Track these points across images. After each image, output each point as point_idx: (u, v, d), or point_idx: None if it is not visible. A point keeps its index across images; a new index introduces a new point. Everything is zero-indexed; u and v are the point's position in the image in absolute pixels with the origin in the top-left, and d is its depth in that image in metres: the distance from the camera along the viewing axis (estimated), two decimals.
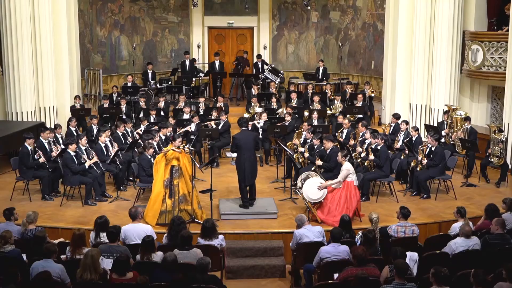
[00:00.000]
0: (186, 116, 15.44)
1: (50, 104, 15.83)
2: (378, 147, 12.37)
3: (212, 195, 10.99)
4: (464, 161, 13.96)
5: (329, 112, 16.38)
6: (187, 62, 19.62)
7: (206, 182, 12.01)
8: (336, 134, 14.41)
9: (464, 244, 8.49)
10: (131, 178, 13.27)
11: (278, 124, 14.78)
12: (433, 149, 12.42)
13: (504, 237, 8.64)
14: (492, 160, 13.34)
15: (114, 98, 17.17)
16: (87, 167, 11.98)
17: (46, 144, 12.79)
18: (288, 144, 13.56)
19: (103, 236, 8.63)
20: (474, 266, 7.38)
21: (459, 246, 8.47)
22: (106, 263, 7.88)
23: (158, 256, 7.99)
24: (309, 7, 18.25)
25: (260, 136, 14.64)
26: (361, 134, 13.53)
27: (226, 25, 21.22)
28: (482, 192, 12.90)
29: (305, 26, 21.13)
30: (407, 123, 14.03)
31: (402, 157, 13.25)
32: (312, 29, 21.07)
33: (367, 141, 12.89)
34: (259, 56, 20.13)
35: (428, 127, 14.81)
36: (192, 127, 14.83)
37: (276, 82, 18.55)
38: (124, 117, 15.76)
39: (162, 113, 16.30)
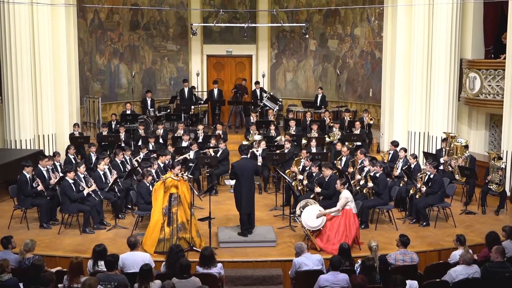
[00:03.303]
0: (185, 144, 15.45)
1: (49, 132, 15.87)
2: (377, 175, 12.38)
3: (211, 223, 10.95)
4: (463, 189, 13.95)
5: (327, 139, 16.41)
6: (186, 90, 19.70)
7: (205, 210, 11.97)
8: (335, 161, 14.42)
9: (464, 272, 8.44)
10: (130, 206, 13.23)
11: (277, 151, 14.79)
12: (431, 176, 12.42)
13: (504, 265, 8.59)
14: (491, 187, 13.33)
15: (113, 126, 17.20)
16: (85, 195, 11.95)
17: (44, 172, 12.79)
18: (286, 171, 13.56)
19: (101, 265, 8.58)
20: None
21: (459, 274, 8.43)
22: None
23: (156, 285, 7.92)
24: (307, 36, 18.39)
25: (259, 164, 14.63)
26: (359, 161, 13.53)
27: (225, 53, 21.36)
28: (482, 219, 12.86)
29: (303, 54, 21.27)
30: (405, 150, 14.06)
31: (401, 185, 13.25)
32: (310, 57, 21.20)
33: (365, 169, 12.90)
34: (257, 82, 20.18)
35: (426, 155, 14.82)
36: (191, 154, 14.84)
37: (275, 109, 18.61)
38: (123, 144, 15.78)
39: (161, 140, 16.33)
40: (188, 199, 10.97)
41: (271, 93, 19.76)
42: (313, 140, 15.31)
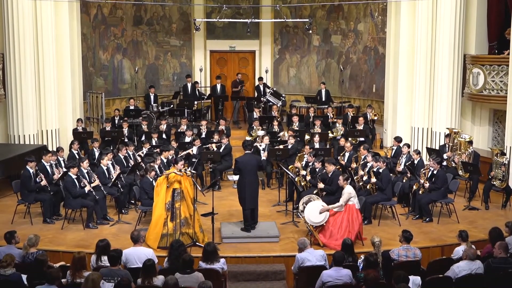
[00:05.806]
0: (188, 139, 15.46)
1: (53, 127, 15.88)
2: (380, 170, 12.36)
3: (214, 218, 10.96)
4: (467, 184, 13.93)
5: (330, 135, 16.40)
6: (189, 85, 19.70)
7: (208, 205, 11.99)
8: (338, 157, 14.41)
9: (467, 268, 8.43)
10: (133, 201, 13.25)
11: (280, 147, 14.78)
12: (435, 172, 12.41)
13: (507, 261, 8.58)
14: (494, 183, 13.32)
15: (116, 121, 17.23)
16: (86, 191, 11.95)
17: (48, 167, 12.79)
18: (290, 167, 13.56)
19: (104, 260, 8.59)
20: None
21: (462, 270, 8.42)
22: (107, 287, 7.83)
23: (159, 280, 7.94)
24: (310, 31, 18.36)
25: (263, 158, 14.62)
26: (363, 157, 13.52)
27: (228, 49, 21.35)
28: (485, 215, 12.84)
29: (306, 49, 21.25)
30: (409, 146, 14.03)
31: (404, 180, 13.24)
32: (313, 52, 21.17)
33: (369, 164, 12.89)
34: (260, 78, 20.18)
35: (430, 150, 14.81)
36: (194, 150, 14.83)
37: (278, 105, 18.59)
38: (126, 140, 15.79)
39: (164, 136, 16.33)
40: (191, 194, 10.98)
41: (274, 89, 19.75)
42: (316, 136, 15.32)
